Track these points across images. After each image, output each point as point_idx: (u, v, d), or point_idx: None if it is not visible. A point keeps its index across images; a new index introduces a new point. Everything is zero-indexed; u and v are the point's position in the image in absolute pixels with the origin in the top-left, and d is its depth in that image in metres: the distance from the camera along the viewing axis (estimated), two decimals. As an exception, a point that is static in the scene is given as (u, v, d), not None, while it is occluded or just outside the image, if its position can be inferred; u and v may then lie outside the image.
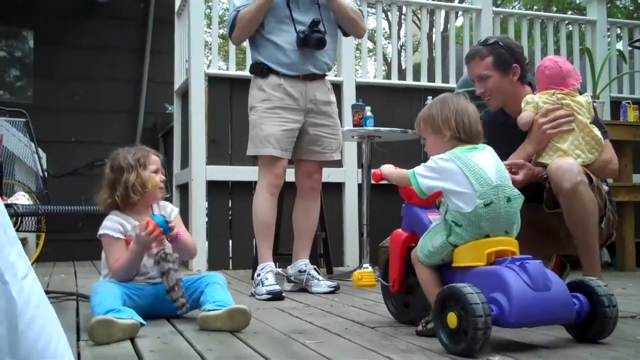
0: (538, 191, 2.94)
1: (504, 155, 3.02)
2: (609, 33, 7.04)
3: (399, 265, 2.69)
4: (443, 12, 7.15)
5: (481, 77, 3.24)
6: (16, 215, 3.36)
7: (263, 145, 3.88)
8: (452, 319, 2.13)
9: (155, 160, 3.01)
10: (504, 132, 3.17)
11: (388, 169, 2.62)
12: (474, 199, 2.29)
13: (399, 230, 2.73)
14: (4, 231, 1.24)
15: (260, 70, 3.97)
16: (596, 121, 3.11)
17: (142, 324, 2.53)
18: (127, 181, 2.91)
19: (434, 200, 2.61)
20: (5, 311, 1.18)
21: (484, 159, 2.38)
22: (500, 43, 3.27)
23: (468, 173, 2.32)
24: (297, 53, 3.91)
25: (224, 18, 13.09)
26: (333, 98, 4.13)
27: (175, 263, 2.77)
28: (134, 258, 2.85)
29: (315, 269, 4.04)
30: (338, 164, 5.27)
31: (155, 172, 2.99)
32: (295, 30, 3.88)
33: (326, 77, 4.11)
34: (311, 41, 3.86)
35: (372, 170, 2.65)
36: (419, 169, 2.42)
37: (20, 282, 1.23)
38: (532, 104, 3.04)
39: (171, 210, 3.07)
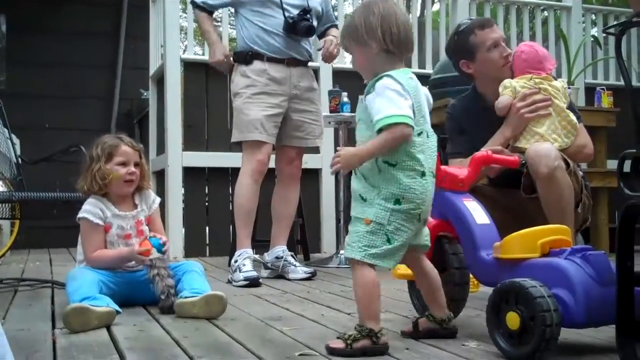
0: (515, 177, 2.96)
1: (480, 142, 3.03)
2: (583, 19, 7.08)
3: (426, 256, 2.35)
4: (420, -3, 7.15)
5: (504, 40, 3.24)
6: (-11, 202, 3.32)
7: (248, 130, 3.88)
8: (512, 319, 1.90)
9: (124, 152, 2.94)
10: (478, 119, 3.18)
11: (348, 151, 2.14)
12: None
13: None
14: None
15: (245, 57, 3.98)
16: (570, 106, 3.13)
17: (118, 312, 2.53)
18: (92, 170, 2.91)
19: (466, 185, 2.41)
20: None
21: (419, 87, 2.13)
22: None
23: (413, 96, 2.06)
24: (283, 38, 3.92)
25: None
26: (316, 85, 4.17)
27: (163, 268, 2.76)
28: (118, 261, 2.87)
29: (292, 255, 4.05)
30: (315, 149, 5.27)
31: (123, 164, 2.93)
32: (284, 16, 3.88)
33: (308, 64, 4.12)
34: (299, 28, 3.88)
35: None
36: (391, 110, 2.00)
37: None
38: (510, 88, 3.05)
39: (152, 201, 3.06)
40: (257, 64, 3.95)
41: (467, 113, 3.25)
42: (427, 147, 2.07)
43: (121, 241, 2.91)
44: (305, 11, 3.89)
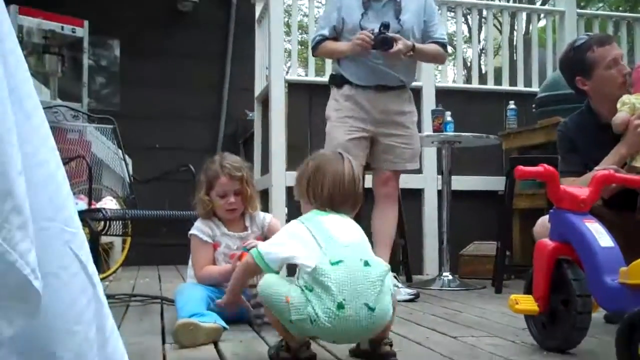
0: (629, 198, 2.83)
1: (592, 161, 2.92)
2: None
3: (544, 281, 2.34)
4: (525, 14, 7.01)
5: (622, 58, 3.15)
6: (104, 219, 3.45)
7: None
8: None
9: (221, 183, 2.97)
10: (591, 137, 3.08)
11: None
12: (319, 254, 2.00)
13: (545, 240, 2.40)
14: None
15: (337, 81, 4.09)
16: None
17: (225, 328, 2.57)
18: (197, 195, 3.01)
19: (587, 206, 2.33)
20: (96, 313, 1.21)
21: (337, 222, 2.11)
22: None
23: (315, 232, 2.06)
24: (368, 66, 3.96)
25: (303, 25, 13.19)
26: (409, 108, 4.12)
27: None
28: (222, 277, 2.90)
29: (394, 276, 4.01)
30: (417, 169, 5.23)
31: (223, 196, 2.98)
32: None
33: (405, 88, 4.10)
34: (377, 42, 3.84)
35: None
36: (263, 247, 2.17)
37: (102, 287, 1.26)
38: (629, 105, 2.93)
39: (263, 219, 3.12)
40: (346, 89, 4.05)
41: (580, 130, 3.15)
42: (351, 277, 1.95)
43: (226, 260, 2.98)
44: (385, 25, 3.88)
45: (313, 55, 4.77)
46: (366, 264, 1.99)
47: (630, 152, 2.92)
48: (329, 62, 5.85)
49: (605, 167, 2.70)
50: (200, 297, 2.75)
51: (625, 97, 2.97)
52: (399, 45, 3.83)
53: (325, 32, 4.10)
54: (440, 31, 4.19)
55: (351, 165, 2.19)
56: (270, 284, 2.05)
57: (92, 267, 1.22)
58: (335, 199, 2.15)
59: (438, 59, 4.27)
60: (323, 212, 2.14)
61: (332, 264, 1.95)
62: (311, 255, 1.98)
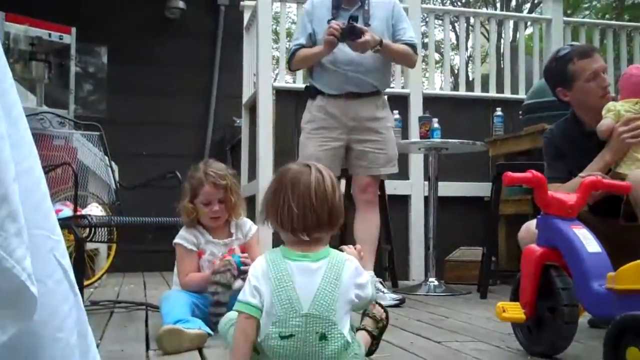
0: (613, 203, 2.85)
1: (577, 167, 2.95)
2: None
3: (531, 287, 2.33)
4: (512, 22, 7.06)
5: (604, 70, 3.17)
6: (90, 226, 3.43)
7: None
8: (634, 355, 1.79)
9: (206, 192, 2.95)
10: (577, 144, 3.10)
11: None
12: (270, 322, 1.71)
13: (533, 245, 2.40)
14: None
15: (310, 92, 4.15)
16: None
17: (209, 334, 2.57)
18: (181, 203, 3.00)
19: (575, 212, 2.33)
20: (77, 321, 1.21)
21: (305, 275, 1.74)
22: None
23: (274, 287, 1.72)
24: (339, 74, 3.99)
25: (291, 32, 13.23)
26: (382, 113, 4.13)
27: (222, 286, 2.76)
28: (203, 282, 2.89)
29: (380, 281, 4.03)
30: (404, 176, 5.25)
31: (207, 204, 2.97)
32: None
33: (379, 94, 4.12)
34: (344, 32, 3.86)
35: None
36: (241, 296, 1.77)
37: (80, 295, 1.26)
38: (614, 112, 2.95)
39: (249, 229, 3.10)
40: (319, 100, 4.09)
41: (565, 137, 3.18)
42: (301, 355, 1.69)
43: (211, 266, 2.97)
44: (352, 17, 3.90)
45: (290, 70, 4.79)
46: (322, 337, 1.69)
47: (614, 159, 2.94)
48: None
49: (591, 174, 2.72)
50: (185, 304, 2.75)
51: (611, 104, 3.00)
52: (366, 36, 3.84)
53: (302, 40, 4.13)
54: (410, 34, 4.17)
55: (321, 175, 1.81)
56: (228, 324, 1.87)
57: (72, 275, 1.23)
58: (307, 217, 1.76)
59: (408, 59, 4.24)
60: (294, 254, 1.77)
61: (282, 337, 1.69)
62: (268, 316, 1.72)
